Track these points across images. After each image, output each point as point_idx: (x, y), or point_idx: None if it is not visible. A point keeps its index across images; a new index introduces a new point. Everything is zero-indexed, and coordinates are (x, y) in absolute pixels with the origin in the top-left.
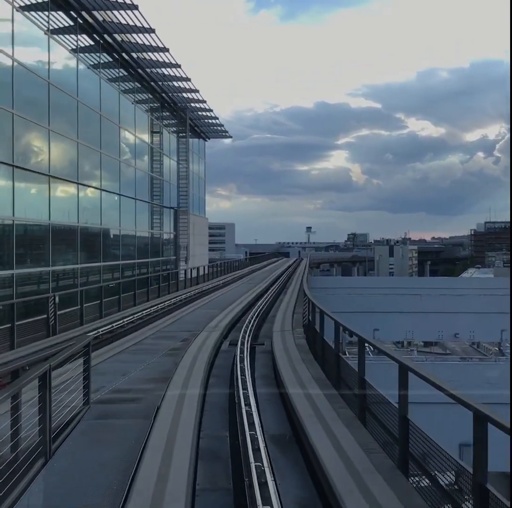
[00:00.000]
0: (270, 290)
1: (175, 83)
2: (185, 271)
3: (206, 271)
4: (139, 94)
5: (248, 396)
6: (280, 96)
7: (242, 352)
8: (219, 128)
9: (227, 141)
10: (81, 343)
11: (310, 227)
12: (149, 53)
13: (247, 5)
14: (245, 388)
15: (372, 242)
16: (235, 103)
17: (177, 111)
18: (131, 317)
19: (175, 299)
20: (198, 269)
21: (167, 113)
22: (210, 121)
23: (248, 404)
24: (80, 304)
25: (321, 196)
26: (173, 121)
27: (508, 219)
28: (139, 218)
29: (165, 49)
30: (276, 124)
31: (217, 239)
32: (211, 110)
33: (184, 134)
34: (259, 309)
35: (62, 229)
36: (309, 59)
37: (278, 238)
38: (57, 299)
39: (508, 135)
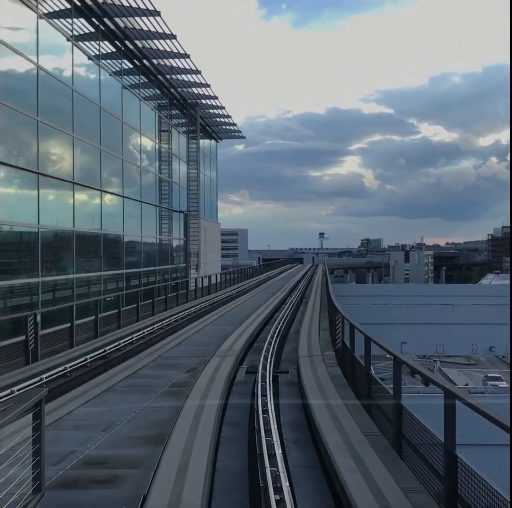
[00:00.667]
0: (288, 301)
1: (184, 77)
2: (196, 279)
3: (219, 279)
4: (146, 90)
5: (278, 475)
6: (292, 102)
7: (263, 391)
8: (231, 127)
9: (239, 147)
10: (22, 406)
11: (323, 233)
12: (155, 41)
13: (259, 12)
14: (273, 464)
15: (386, 247)
16: (248, 109)
17: (187, 109)
18: (130, 337)
19: (183, 312)
20: (209, 277)
21: (177, 111)
22: (222, 120)
23: (278, 486)
24: (71, 322)
25: (333, 201)
26: (183, 120)
27: None
28: (146, 223)
29: (172, 36)
30: (288, 130)
31: (230, 245)
32: (223, 107)
33: (194, 134)
34: (279, 325)
35: (55, 234)
36: (321, 65)
37: (291, 244)
38: (38, 318)
39: None
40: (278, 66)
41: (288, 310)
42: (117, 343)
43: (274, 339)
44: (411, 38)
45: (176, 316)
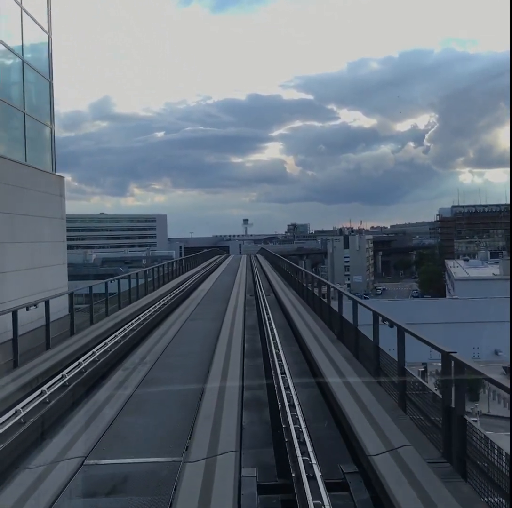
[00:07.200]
0: None
1: None
2: None
3: (59, 314)
4: None
5: None
6: (212, 88)
7: None
8: None
9: (159, 134)
10: None
11: (247, 219)
12: None
13: None
14: None
15: (313, 232)
16: (167, 95)
17: None
18: None
19: None
20: None
21: None
22: None
23: None
24: None
25: (256, 188)
26: None
27: (476, 203)
28: None
29: None
30: (209, 117)
31: (147, 233)
32: None
33: None
34: None
35: None
36: (240, 51)
37: (214, 231)
38: None
39: (438, 125)
40: (197, 52)
41: None
42: None
43: None
44: (330, 23)
45: None
